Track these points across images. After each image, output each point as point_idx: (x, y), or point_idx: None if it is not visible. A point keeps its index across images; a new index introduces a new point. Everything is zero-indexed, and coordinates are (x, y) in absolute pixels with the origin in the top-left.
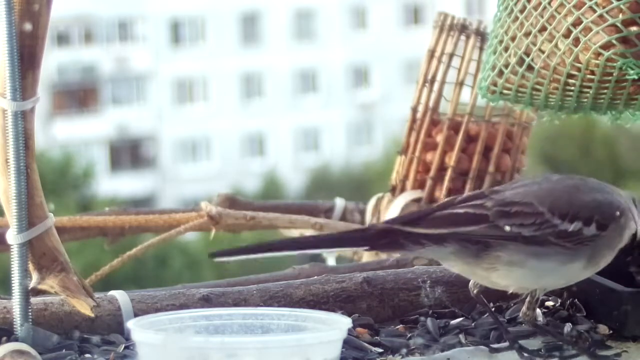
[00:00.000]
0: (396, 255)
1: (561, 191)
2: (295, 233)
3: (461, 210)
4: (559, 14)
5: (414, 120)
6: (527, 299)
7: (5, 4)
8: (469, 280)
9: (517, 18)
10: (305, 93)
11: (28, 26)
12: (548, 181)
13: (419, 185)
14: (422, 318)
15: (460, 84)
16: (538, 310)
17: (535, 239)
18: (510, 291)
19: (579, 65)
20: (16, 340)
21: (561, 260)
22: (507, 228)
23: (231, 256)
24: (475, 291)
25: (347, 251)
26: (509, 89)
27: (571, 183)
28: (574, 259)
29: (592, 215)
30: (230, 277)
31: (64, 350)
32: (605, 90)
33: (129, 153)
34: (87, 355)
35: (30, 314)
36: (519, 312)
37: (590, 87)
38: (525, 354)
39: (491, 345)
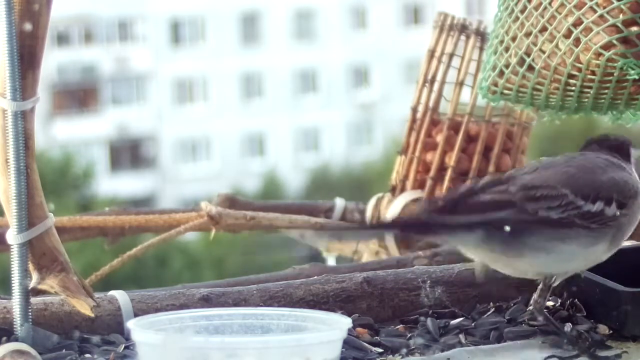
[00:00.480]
0: (424, 240)
1: (578, 172)
2: (295, 233)
3: (487, 197)
4: (560, 14)
5: (414, 120)
6: (540, 287)
7: (5, 4)
8: (469, 281)
9: (517, 18)
10: (305, 93)
11: (28, 26)
12: (558, 164)
13: (419, 185)
14: (422, 318)
15: (460, 84)
16: None
17: (562, 221)
18: (529, 276)
19: (580, 65)
20: (16, 340)
21: (586, 242)
22: (541, 213)
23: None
24: (482, 276)
25: (370, 241)
26: (510, 89)
27: (582, 163)
28: (597, 241)
29: (612, 194)
30: (230, 277)
31: (64, 350)
32: (606, 91)
33: (129, 153)
34: (87, 355)
35: (30, 314)
36: (519, 312)
37: (590, 87)
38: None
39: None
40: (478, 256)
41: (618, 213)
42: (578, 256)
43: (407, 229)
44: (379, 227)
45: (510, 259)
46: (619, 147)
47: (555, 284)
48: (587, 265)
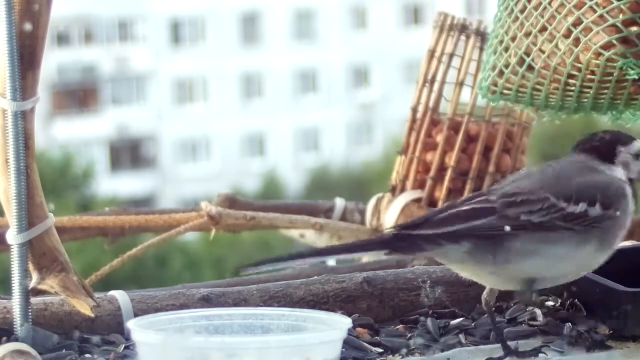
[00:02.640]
0: (411, 257)
1: (558, 176)
2: (295, 233)
3: (467, 207)
4: (559, 14)
5: (414, 120)
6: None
7: (5, 4)
8: (469, 281)
9: (517, 18)
10: (305, 93)
11: (28, 26)
12: (537, 172)
13: (419, 185)
14: (422, 318)
15: (460, 84)
16: (538, 311)
17: (544, 224)
18: (515, 286)
19: (580, 65)
20: (16, 340)
21: (572, 244)
22: (523, 217)
23: (259, 266)
24: (491, 303)
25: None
26: (510, 89)
27: (557, 169)
28: (584, 242)
29: (595, 195)
30: (230, 277)
31: (64, 350)
32: (606, 90)
33: (129, 153)
34: (87, 355)
35: (30, 314)
36: (519, 312)
37: (590, 87)
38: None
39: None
40: (467, 271)
41: (603, 213)
42: (566, 258)
43: (396, 247)
44: (368, 248)
45: (497, 268)
46: (601, 148)
47: (538, 289)
48: (579, 268)
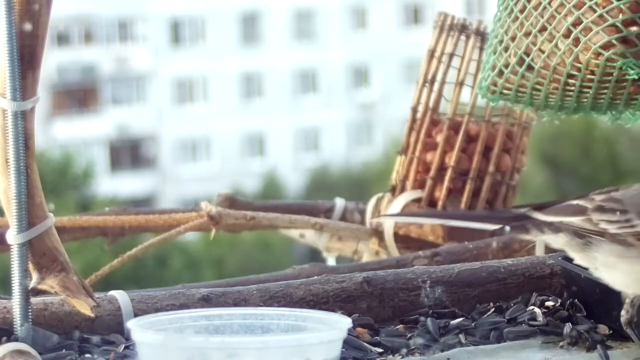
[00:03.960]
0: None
1: None
2: (295, 233)
3: (574, 202)
4: (559, 14)
5: (414, 120)
6: (627, 300)
7: (5, 4)
8: (469, 281)
9: (517, 18)
10: (305, 93)
11: (28, 26)
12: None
13: (419, 185)
14: (422, 318)
15: (460, 84)
16: (538, 310)
17: (617, 237)
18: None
19: (579, 65)
20: (16, 340)
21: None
22: (602, 225)
23: None
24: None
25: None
26: (509, 89)
27: None
28: None
29: None
30: (230, 277)
31: (64, 350)
32: (605, 90)
33: (129, 153)
34: (87, 355)
35: (30, 314)
36: (519, 312)
37: (590, 87)
38: None
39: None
40: (580, 261)
41: None
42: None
43: (508, 225)
44: (484, 220)
45: (594, 271)
46: None
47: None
48: None
